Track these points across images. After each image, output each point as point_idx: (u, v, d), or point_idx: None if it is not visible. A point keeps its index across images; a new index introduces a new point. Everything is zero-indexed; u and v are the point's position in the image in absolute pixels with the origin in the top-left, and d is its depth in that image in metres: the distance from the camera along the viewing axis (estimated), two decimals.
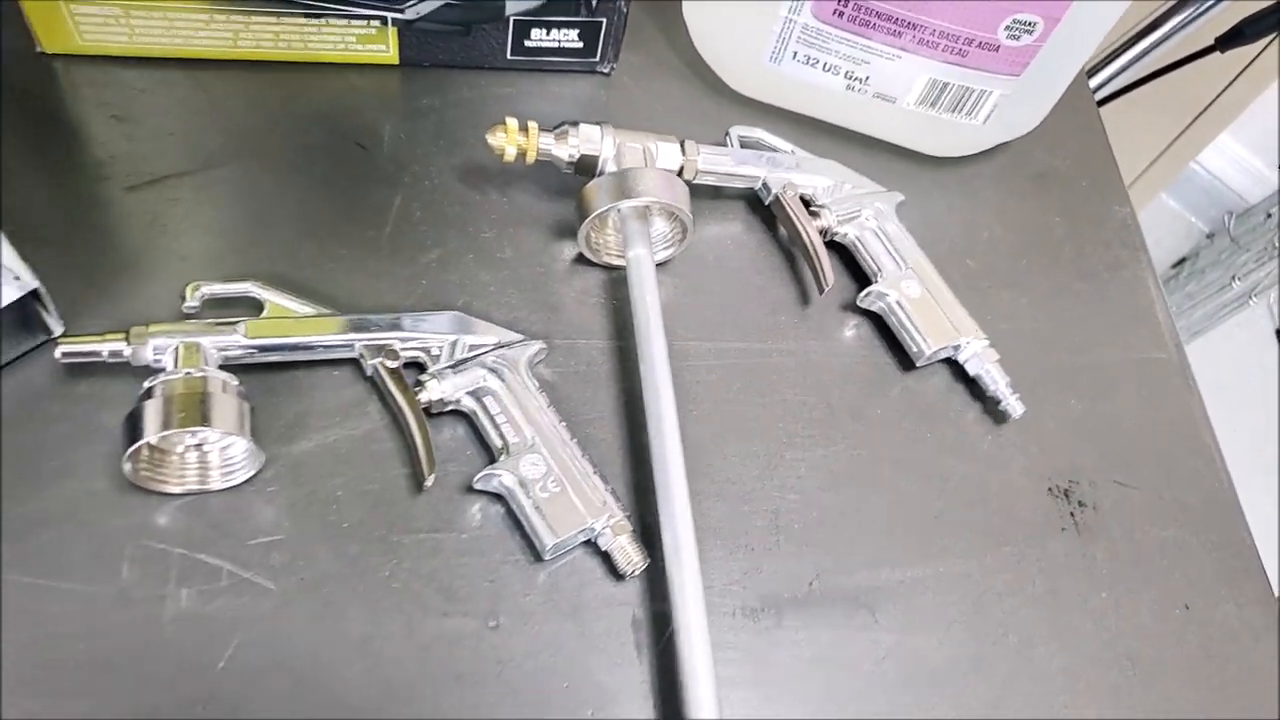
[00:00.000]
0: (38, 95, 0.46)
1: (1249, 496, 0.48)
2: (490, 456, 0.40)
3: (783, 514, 0.43)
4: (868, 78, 0.49)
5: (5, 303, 0.35)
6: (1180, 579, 0.45)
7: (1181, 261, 1.67)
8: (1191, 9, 0.73)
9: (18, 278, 0.35)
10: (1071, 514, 0.46)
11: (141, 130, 0.46)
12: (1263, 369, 1.63)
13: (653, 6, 0.56)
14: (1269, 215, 1.34)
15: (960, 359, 0.47)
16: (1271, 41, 1.19)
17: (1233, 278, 1.21)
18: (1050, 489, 0.46)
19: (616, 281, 0.47)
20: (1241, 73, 1.25)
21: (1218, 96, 1.28)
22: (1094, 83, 0.77)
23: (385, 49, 0.49)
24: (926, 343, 0.46)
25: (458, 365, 0.41)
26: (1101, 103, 0.78)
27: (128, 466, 0.36)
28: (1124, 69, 0.75)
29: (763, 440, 0.44)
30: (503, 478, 0.38)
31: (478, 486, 0.39)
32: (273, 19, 0.47)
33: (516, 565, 0.39)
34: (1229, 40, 0.71)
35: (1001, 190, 0.55)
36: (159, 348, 0.38)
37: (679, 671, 0.37)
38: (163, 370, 0.38)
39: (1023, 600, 0.43)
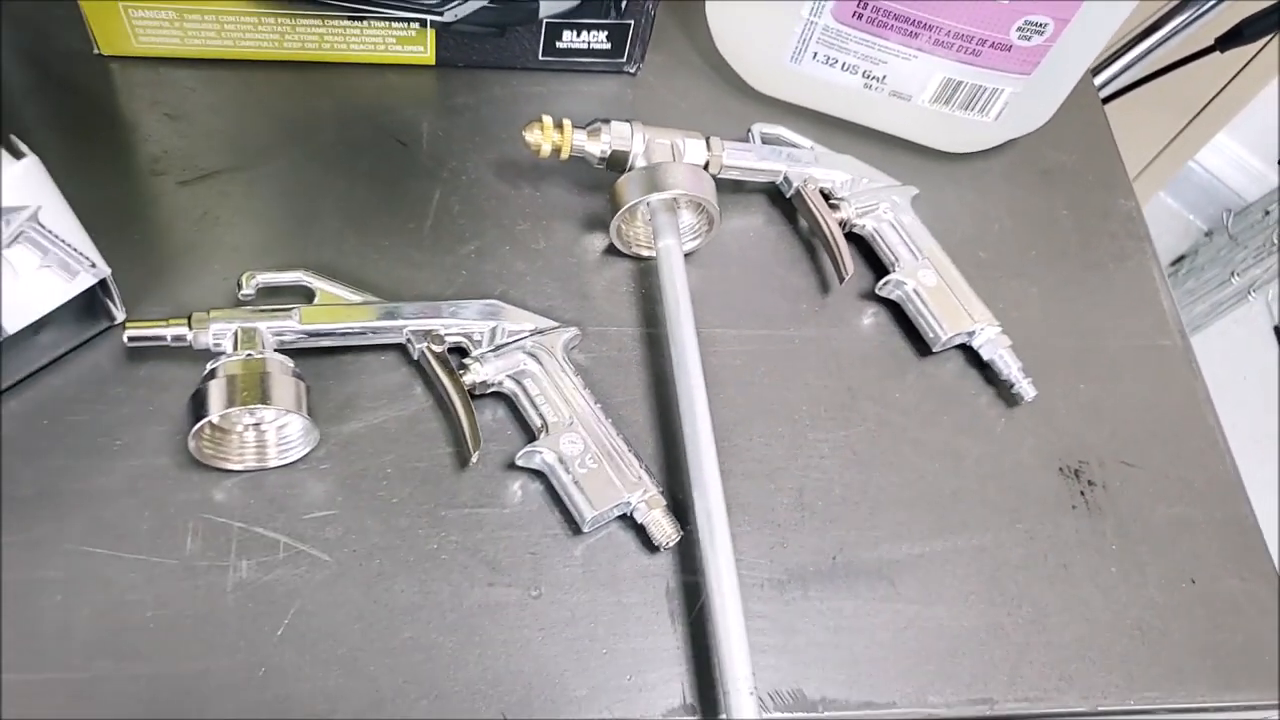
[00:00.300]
0: (95, 95, 0.49)
1: (1249, 491, 0.50)
2: (530, 435, 0.42)
3: (807, 491, 0.45)
4: (884, 77, 0.51)
5: (82, 289, 0.37)
6: (1186, 554, 0.47)
7: (1180, 259, 1.69)
8: (1192, 10, 0.76)
9: (94, 265, 0.37)
10: (1081, 492, 0.48)
11: (193, 127, 0.49)
12: (1261, 364, 1.65)
13: (677, 9, 0.58)
14: (1267, 213, 1.36)
15: (974, 345, 0.49)
16: (1270, 41, 1.21)
17: (1231, 274, 1.23)
18: (1061, 469, 0.48)
19: (645, 271, 0.49)
20: (1240, 72, 1.27)
21: (1216, 95, 1.30)
22: (1097, 81, 0.79)
23: (423, 50, 0.51)
24: (942, 329, 0.48)
25: (498, 349, 0.43)
26: (1104, 101, 0.80)
27: (193, 443, 0.38)
28: (1127, 68, 0.78)
29: (787, 422, 0.47)
30: (544, 454, 0.41)
31: (520, 463, 0.41)
32: (317, 21, 0.49)
33: (556, 539, 0.42)
34: (1228, 40, 0.73)
35: (1011, 184, 0.57)
36: (219, 332, 0.40)
37: (713, 637, 0.39)
38: (222, 354, 0.40)
39: (1036, 574, 0.45)
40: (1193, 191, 1.76)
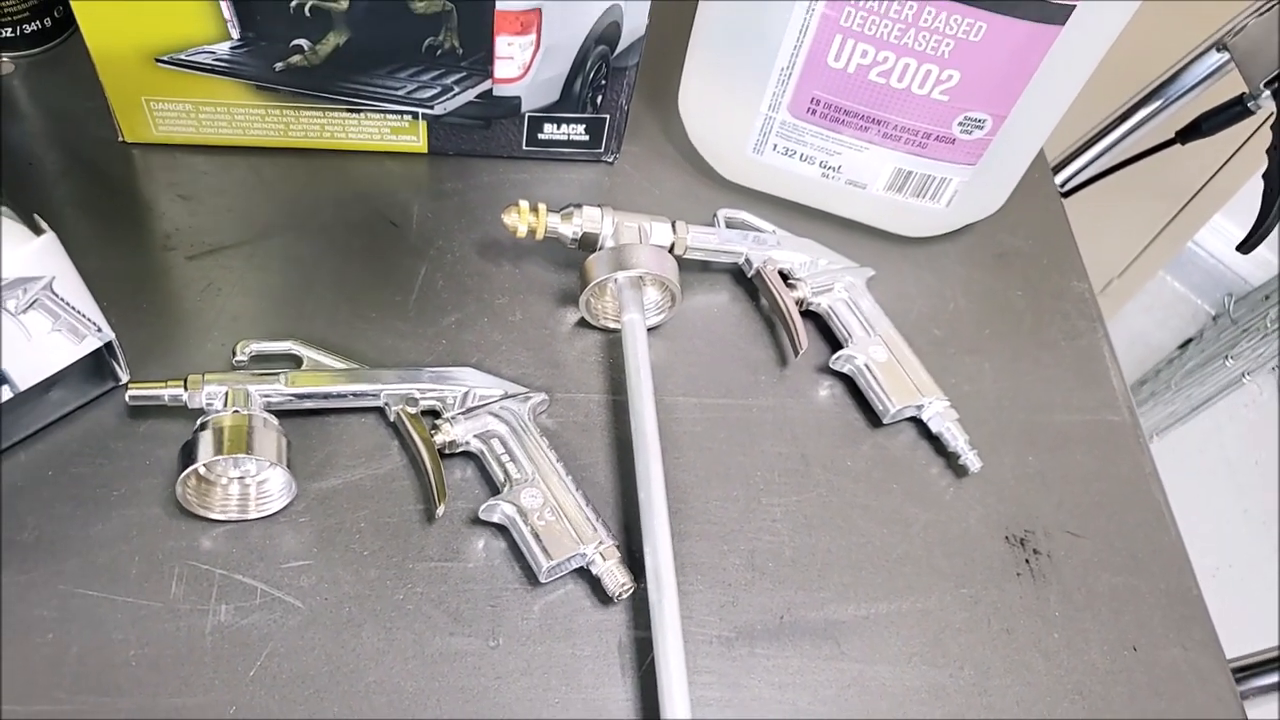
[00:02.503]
0: (117, 177, 0.54)
1: (1255, 568, 0.52)
2: (495, 492, 0.45)
3: (758, 553, 0.48)
4: (840, 167, 0.55)
5: (87, 351, 0.41)
6: (1129, 622, 0.49)
7: (1187, 342, 1.71)
8: (1158, 103, 0.79)
9: (99, 330, 0.41)
10: (1027, 560, 0.50)
11: (203, 207, 0.53)
12: (1272, 447, 1.65)
13: (651, 104, 0.63)
14: (1266, 297, 1.38)
15: (923, 417, 0.52)
16: (1261, 126, 1.25)
17: (1225, 357, 1.25)
18: (1007, 537, 0.50)
19: (612, 343, 0.53)
20: (1233, 156, 1.31)
21: (1210, 179, 1.33)
22: (1068, 171, 0.83)
23: (416, 139, 0.56)
24: (891, 402, 0.51)
25: (468, 412, 0.46)
26: (1075, 190, 0.84)
27: (179, 490, 0.41)
28: (1095, 159, 0.81)
29: (742, 486, 0.49)
30: (504, 507, 0.44)
31: (482, 516, 0.44)
32: (319, 113, 0.54)
33: (515, 593, 0.44)
34: (1188, 133, 0.77)
35: (967, 266, 0.60)
36: (211, 393, 0.44)
37: (659, 688, 0.41)
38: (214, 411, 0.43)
39: (979, 637, 0.47)
40: (1197, 275, 1.78)
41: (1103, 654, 0.48)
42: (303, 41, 0.50)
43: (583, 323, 0.53)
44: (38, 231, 0.38)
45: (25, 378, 0.40)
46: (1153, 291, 1.79)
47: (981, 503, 0.51)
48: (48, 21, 0.56)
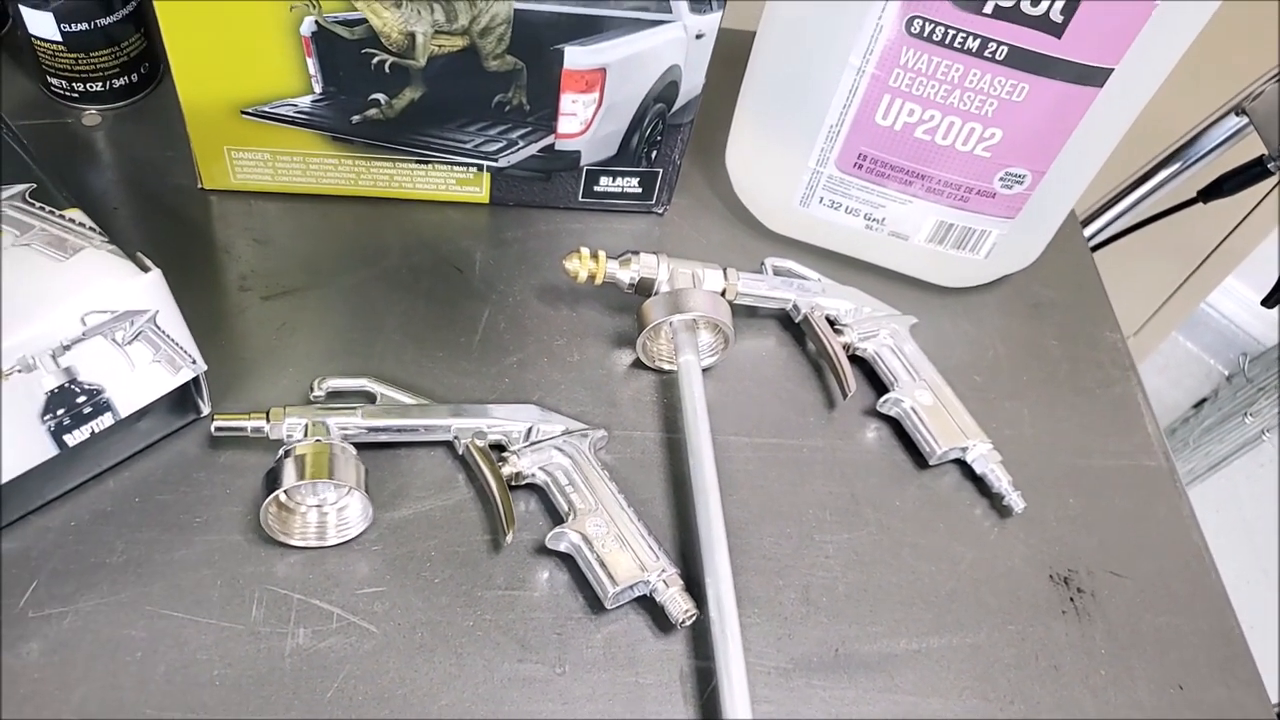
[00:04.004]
0: (196, 222, 0.57)
1: (1275, 631, 0.52)
2: (557, 523, 0.47)
3: (813, 588, 0.49)
4: (884, 219, 0.58)
5: (183, 381, 0.43)
6: (1174, 661, 0.50)
7: (1202, 402, 1.72)
8: (1179, 164, 0.82)
9: (194, 361, 0.43)
10: (1071, 599, 0.51)
11: (277, 251, 0.56)
12: None
13: (700, 159, 0.65)
14: None
15: (968, 459, 0.54)
16: (1271, 190, 1.29)
17: (1245, 414, 1.27)
18: (1051, 576, 0.52)
19: (666, 384, 0.55)
20: (1246, 218, 1.34)
21: (1223, 241, 1.36)
22: (1093, 227, 0.86)
23: (479, 190, 0.59)
24: (938, 444, 0.53)
25: (533, 445, 0.48)
26: (1102, 245, 0.86)
27: (263, 515, 0.43)
28: (1120, 216, 0.84)
29: (795, 523, 0.51)
30: (570, 535, 0.45)
31: (549, 544, 0.46)
32: (389, 164, 0.57)
33: (579, 621, 0.46)
34: (1210, 193, 0.80)
35: (1004, 316, 0.62)
36: (292, 425, 0.46)
37: (723, 716, 0.42)
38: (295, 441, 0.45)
39: (1028, 674, 0.48)
40: (1210, 335, 1.81)
41: (1149, 692, 0.49)
42: (380, 96, 0.53)
43: (637, 364, 0.55)
44: (145, 269, 0.41)
45: (126, 405, 0.42)
46: (1166, 351, 1.81)
47: (1025, 542, 0.53)
48: (134, 77, 0.60)
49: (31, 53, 0.57)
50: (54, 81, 0.58)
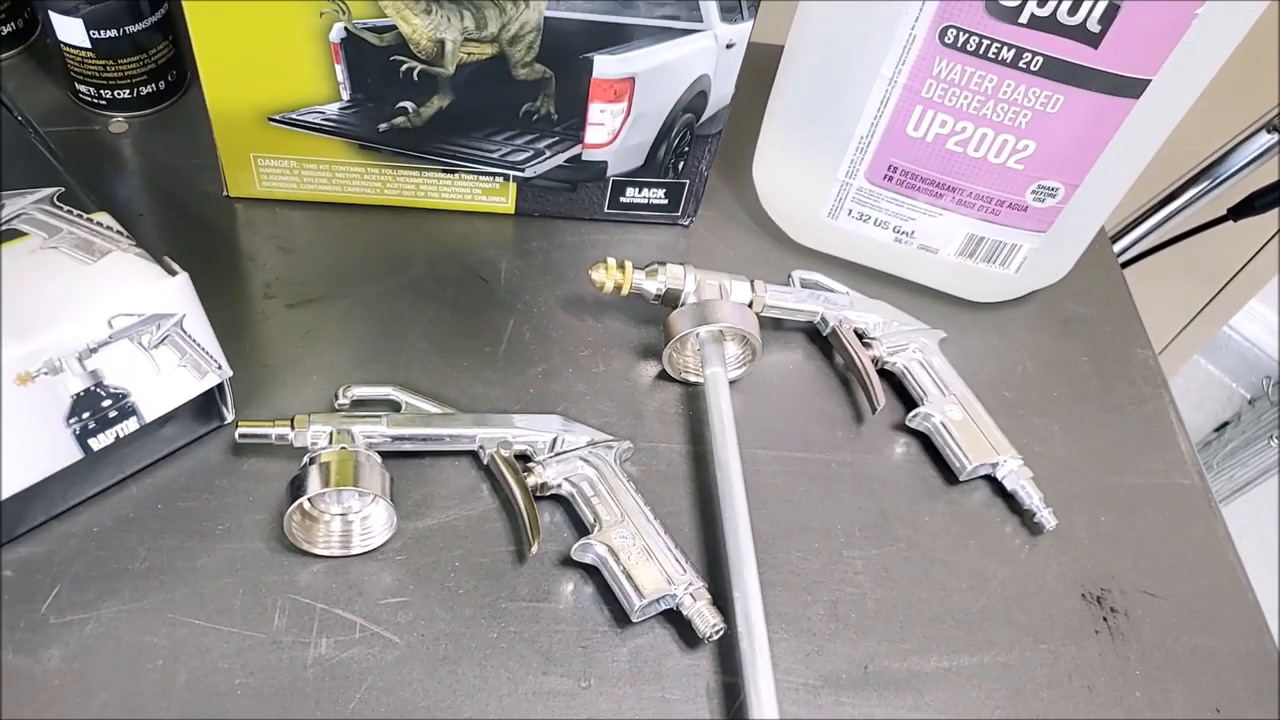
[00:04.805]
0: (222, 230, 0.56)
1: None
2: (583, 535, 0.46)
3: (841, 604, 0.48)
4: (913, 232, 0.57)
5: (209, 386, 0.43)
6: (1211, 684, 0.49)
7: (1224, 425, 1.70)
8: (1207, 182, 0.82)
9: (220, 367, 0.43)
10: (1104, 618, 0.50)
11: (302, 259, 0.56)
12: None
13: (726, 171, 0.65)
14: None
15: (998, 475, 0.53)
16: None
17: (1271, 437, 1.25)
18: (1083, 594, 0.51)
19: (692, 396, 0.54)
20: (1270, 240, 1.33)
21: (1247, 263, 1.35)
22: (1120, 245, 0.85)
23: (505, 200, 0.59)
24: (968, 459, 0.52)
25: (558, 456, 0.48)
26: (1128, 264, 0.85)
27: (286, 523, 0.43)
28: (1147, 234, 0.83)
29: (823, 538, 0.50)
30: (596, 547, 0.45)
31: (575, 556, 0.45)
32: (415, 173, 0.57)
33: (604, 635, 0.45)
34: (1240, 211, 0.79)
35: (1033, 331, 0.61)
36: (317, 433, 0.45)
37: None
38: (320, 449, 0.45)
39: (1061, 693, 0.47)
40: (1232, 358, 1.79)
41: (1186, 714, 0.47)
42: (408, 104, 0.53)
43: (663, 375, 0.55)
44: (172, 273, 0.40)
45: (152, 410, 0.42)
46: (1188, 375, 1.79)
47: (1057, 560, 0.52)
48: (161, 85, 0.60)
49: (60, 59, 0.57)
50: (82, 88, 0.59)
